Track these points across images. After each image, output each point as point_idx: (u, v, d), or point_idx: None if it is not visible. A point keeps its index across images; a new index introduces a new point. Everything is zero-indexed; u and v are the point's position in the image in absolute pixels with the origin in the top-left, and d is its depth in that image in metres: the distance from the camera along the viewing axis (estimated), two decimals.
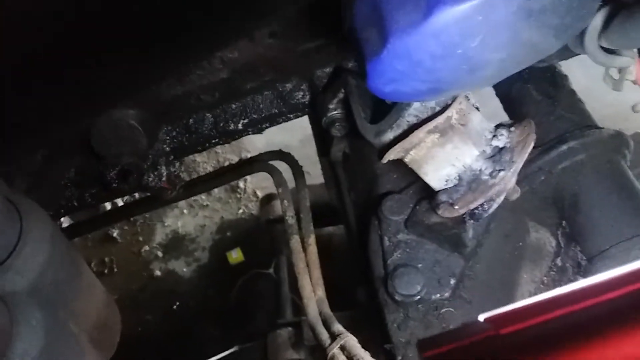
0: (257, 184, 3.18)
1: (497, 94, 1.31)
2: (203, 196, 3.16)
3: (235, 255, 2.87)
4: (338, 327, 1.10)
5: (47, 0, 0.59)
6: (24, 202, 0.94)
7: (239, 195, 3.18)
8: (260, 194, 3.11)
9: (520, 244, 1.16)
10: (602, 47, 0.76)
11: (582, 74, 1.46)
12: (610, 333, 0.52)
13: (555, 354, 0.53)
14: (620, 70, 0.80)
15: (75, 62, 0.70)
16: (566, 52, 0.94)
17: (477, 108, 1.36)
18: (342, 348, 1.04)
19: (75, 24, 0.63)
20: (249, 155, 3.14)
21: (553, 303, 0.56)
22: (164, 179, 1.22)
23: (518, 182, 1.02)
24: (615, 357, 0.51)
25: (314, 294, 1.19)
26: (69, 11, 0.61)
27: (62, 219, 1.95)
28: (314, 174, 1.84)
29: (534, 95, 1.19)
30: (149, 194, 1.38)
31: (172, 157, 1.25)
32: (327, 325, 1.12)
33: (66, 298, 1.02)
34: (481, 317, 0.57)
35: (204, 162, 3.30)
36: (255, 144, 3.20)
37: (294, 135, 2.99)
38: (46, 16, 0.61)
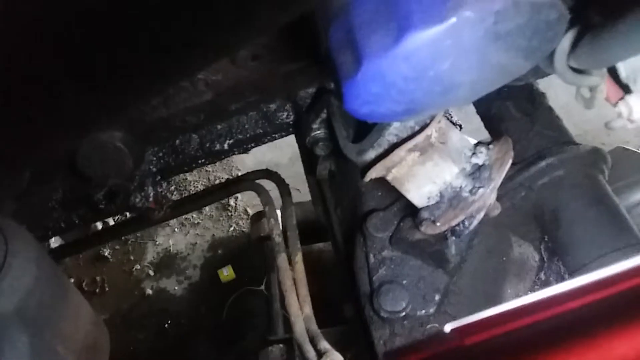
0: (248, 201, 3.19)
1: (477, 112, 1.33)
2: (194, 214, 3.17)
3: (227, 273, 2.87)
4: (324, 344, 1.11)
5: (31, 23, 0.60)
6: (9, 224, 0.94)
7: (229, 213, 3.19)
8: (251, 211, 3.12)
9: (504, 258, 1.18)
10: (572, 67, 0.78)
11: (562, 91, 1.49)
12: (575, 342, 0.52)
13: None
14: (592, 89, 0.82)
15: (59, 84, 0.71)
16: (541, 71, 0.96)
17: (459, 126, 1.39)
18: None
19: (58, 45, 0.64)
20: (239, 174, 3.16)
21: (520, 312, 0.57)
22: (151, 199, 1.23)
23: (499, 198, 1.04)
24: None
25: (300, 312, 1.20)
26: (53, 33, 0.62)
27: (52, 239, 1.95)
28: (304, 192, 1.86)
29: (512, 112, 1.22)
30: (136, 214, 1.39)
31: (159, 177, 1.26)
32: (314, 342, 1.13)
33: (53, 320, 1.02)
34: (447, 328, 0.58)
35: (194, 181, 3.31)
36: (245, 162, 3.22)
37: (284, 153, 3.01)
38: (29, 37, 0.62)
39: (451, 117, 1.43)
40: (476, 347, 0.56)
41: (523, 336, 0.55)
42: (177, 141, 1.25)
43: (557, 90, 1.39)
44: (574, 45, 0.75)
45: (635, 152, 1.83)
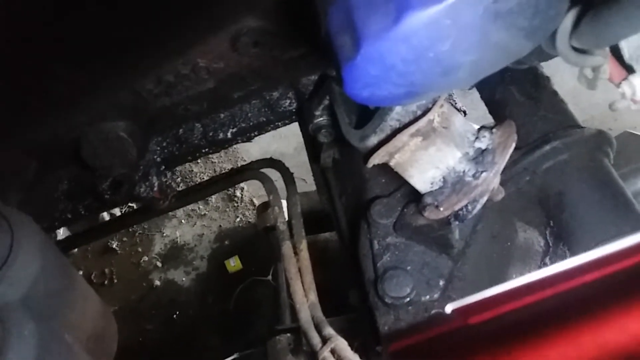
0: (254, 192, 3.20)
1: (481, 97, 1.32)
2: (201, 205, 3.19)
3: (234, 264, 2.89)
4: (329, 330, 1.11)
5: (38, 5, 0.61)
6: (15, 215, 0.95)
7: (236, 204, 3.20)
8: (257, 202, 3.13)
9: (509, 244, 1.17)
10: (574, 48, 0.77)
11: (569, 76, 1.48)
12: (580, 320, 0.52)
13: (523, 342, 0.54)
14: (594, 70, 0.82)
15: (62, 73, 0.72)
16: (545, 54, 0.95)
17: (464, 112, 1.38)
18: (333, 351, 1.05)
19: (60, 33, 0.64)
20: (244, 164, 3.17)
21: (522, 291, 0.56)
22: (155, 189, 1.23)
23: (503, 183, 1.03)
24: (585, 345, 0.51)
25: (305, 299, 1.20)
26: (56, 19, 0.62)
27: (59, 230, 1.96)
28: (310, 181, 1.86)
29: (516, 97, 1.20)
30: (141, 204, 1.40)
31: (163, 167, 1.27)
32: (319, 329, 1.13)
33: (59, 309, 1.03)
34: (449, 308, 0.57)
35: (200, 172, 3.32)
36: (250, 152, 3.22)
37: (289, 143, 3.01)
38: (32, 25, 0.62)
39: (455, 103, 1.43)
40: (480, 327, 0.56)
41: (526, 314, 0.55)
42: (181, 130, 1.26)
43: (563, 75, 1.37)
44: (576, 24, 0.74)
45: None
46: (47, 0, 0.59)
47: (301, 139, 1.42)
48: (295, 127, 1.38)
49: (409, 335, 0.63)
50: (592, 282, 0.53)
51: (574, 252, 1.09)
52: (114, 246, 3.13)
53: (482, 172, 0.94)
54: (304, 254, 1.27)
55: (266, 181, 1.40)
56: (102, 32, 0.63)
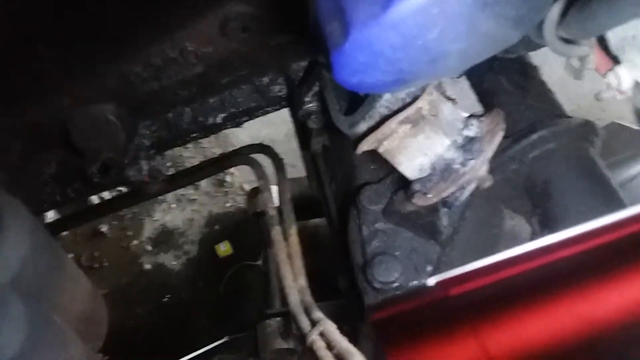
0: (245, 177, 3.20)
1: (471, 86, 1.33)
2: (191, 190, 3.19)
3: (224, 248, 2.90)
4: (318, 314, 1.13)
5: None
6: (3, 196, 0.95)
7: (226, 189, 3.20)
8: (247, 187, 3.13)
9: (496, 230, 1.19)
10: (561, 38, 0.78)
11: (557, 66, 1.49)
12: (557, 292, 0.54)
13: (503, 312, 0.55)
14: (581, 60, 0.82)
15: (48, 53, 0.71)
16: (533, 43, 0.95)
17: (454, 100, 1.39)
18: (322, 334, 1.07)
19: (45, 14, 0.64)
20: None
21: (502, 264, 0.58)
22: (144, 173, 1.23)
23: (491, 171, 1.04)
24: (562, 316, 0.53)
25: (295, 283, 1.22)
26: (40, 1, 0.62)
27: (48, 213, 1.96)
28: (300, 168, 1.87)
29: (505, 86, 1.21)
30: (131, 188, 1.40)
31: (153, 151, 1.26)
32: (308, 312, 1.15)
33: (49, 291, 1.04)
34: (432, 281, 0.59)
35: (190, 157, 3.31)
36: (241, 138, 3.21)
37: (279, 129, 3.01)
38: (16, 4, 0.62)
39: (445, 91, 1.43)
40: (460, 297, 0.57)
41: (508, 286, 0.56)
42: (170, 115, 1.25)
43: (552, 65, 1.38)
44: (563, 14, 0.74)
45: (630, 127, 1.84)
46: None
47: (291, 126, 1.42)
48: (285, 113, 1.38)
49: (391, 305, 0.65)
50: (570, 257, 0.55)
51: None
52: (103, 230, 3.12)
53: (470, 159, 0.95)
54: (294, 238, 1.28)
55: (256, 167, 1.40)
56: (88, 12, 0.63)
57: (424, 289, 0.60)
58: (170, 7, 0.63)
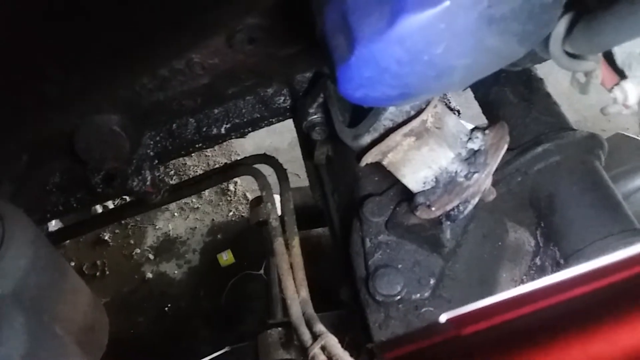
0: (247, 186, 3.20)
1: (475, 98, 1.33)
2: (194, 199, 3.19)
3: (226, 257, 2.89)
4: (320, 327, 1.12)
5: (15, 7, 0.60)
6: (6, 207, 0.95)
7: (229, 198, 3.20)
8: (250, 196, 3.13)
9: (500, 243, 1.18)
10: (567, 52, 0.78)
11: (563, 77, 1.49)
12: (575, 332, 0.53)
13: (516, 352, 0.54)
14: (587, 74, 0.82)
15: (57, 67, 0.71)
16: (538, 57, 0.95)
17: (457, 111, 1.39)
18: (323, 348, 1.06)
19: (54, 36, 0.64)
20: (238, 159, 3.16)
21: (515, 302, 0.57)
22: (148, 183, 1.23)
23: (495, 184, 1.04)
24: (576, 356, 0.52)
25: (297, 295, 1.21)
26: (50, 22, 0.62)
27: (51, 222, 1.96)
28: (304, 177, 1.87)
29: (510, 98, 1.21)
30: (134, 198, 1.40)
31: (156, 161, 1.27)
32: (309, 325, 1.14)
33: (50, 301, 1.03)
34: (443, 318, 0.58)
35: (194, 166, 3.32)
36: (245, 147, 3.22)
37: (283, 138, 3.02)
38: (27, 27, 0.62)
39: (449, 102, 1.43)
40: (474, 337, 0.57)
41: (521, 325, 0.56)
42: (174, 125, 1.26)
43: (557, 76, 1.38)
44: (570, 29, 0.74)
45: (635, 138, 1.83)
46: (43, 3, 0.59)
47: (295, 135, 1.42)
48: (289, 122, 1.39)
49: (403, 344, 0.64)
50: (584, 295, 0.54)
51: (563, 253, 1.10)
52: (105, 238, 3.12)
53: (474, 173, 0.94)
54: (296, 250, 1.28)
55: (259, 177, 1.40)
56: (98, 35, 0.63)
57: (435, 326, 0.59)
58: (181, 24, 0.63)
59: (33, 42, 0.63)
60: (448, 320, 0.58)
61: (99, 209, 2.69)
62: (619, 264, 0.54)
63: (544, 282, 0.58)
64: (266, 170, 1.47)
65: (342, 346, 1.08)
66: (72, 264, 2.99)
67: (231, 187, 3.20)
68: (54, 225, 2.08)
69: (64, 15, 0.60)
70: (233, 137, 1.31)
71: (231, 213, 3.16)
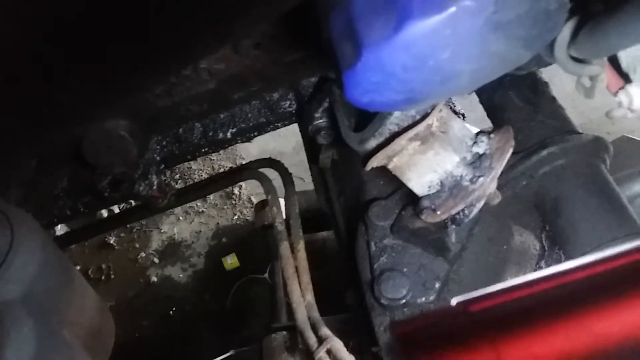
0: (252, 190, 3.20)
1: (480, 101, 1.33)
2: (199, 203, 3.19)
3: (231, 261, 2.90)
4: (325, 331, 1.13)
5: (33, 12, 0.61)
6: (15, 212, 0.96)
7: (234, 202, 3.21)
8: (255, 200, 3.14)
9: (505, 247, 1.18)
10: (572, 57, 0.78)
11: (568, 80, 1.49)
12: (573, 310, 0.54)
13: (520, 327, 0.56)
14: (592, 78, 0.83)
15: (64, 72, 0.72)
16: (543, 61, 0.96)
17: (462, 115, 1.39)
18: (329, 352, 1.06)
19: (59, 36, 0.64)
20: (243, 163, 3.17)
21: (523, 284, 0.58)
22: (154, 187, 1.24)
23: (500, 187, 1.04)
24: (583, 332, 0.53)
25: (302, 299, 1.22)
26: (54, 24, 0.63)
27: (58, 227, 1.97)
28: (308, 180, 1.87)
29: (515, 102, 1.21)
30: (140, 202, 1.40)
31: (163, 166, 1.27)
32: (315, 329, 1.14)
33: (58, 306, 1.04)
34: (453, 301, 0.60)
35: (199, 170, 3.32)
36: (249, 151, 3.23)
37: (288, 142, 3.02)
38: (32, 26, 0.63)
39: (454, 106, 1.43)
40: (482, 313, 0.58)
41: (524, 303, 0.57)
42: (181, 130, 1.26)
43: (562, 79, 1.38)
44: (575, 34, 0.75)
45: None
46: (65, 14, 0.59)
47: (300, 138, 1.43)
48: (294, 126, 1.39)
49: (414, 321, 0.66)
50: (586, 277, 0.55)
51: (569, 256, 1.10)
52: (111, 242, 3.13)
53: (479, 176, 0.95)
54: (302, 254, 1.29)
55: (265, 181, 1.41)
56: (115, 46, 0.64)
57: (446, 307, 0.62)
58: (193, 36, 0.64)
59: (53, 51, 0.64)
60: (458, 303, 0.59)
61: (104, 213, 2.70)
62: (617, 254, 0.56)
63: (546, 272, 0.59)
64: (271, 174, 1.48)
65: (347, 350, 1.08)
66: (78, 267, 3.00)
67: (236, 190, 3.21)
68: (59, 229, 2.09)
69: (86, 26, 0.61)
70: (239, 141, 1.32)
71: (236, 217, 3.17)
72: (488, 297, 0.59)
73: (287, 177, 1.42)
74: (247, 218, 3.15)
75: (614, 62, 0.81)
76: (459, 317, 0.61)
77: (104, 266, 3.07)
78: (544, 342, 0.54)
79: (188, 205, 3.16)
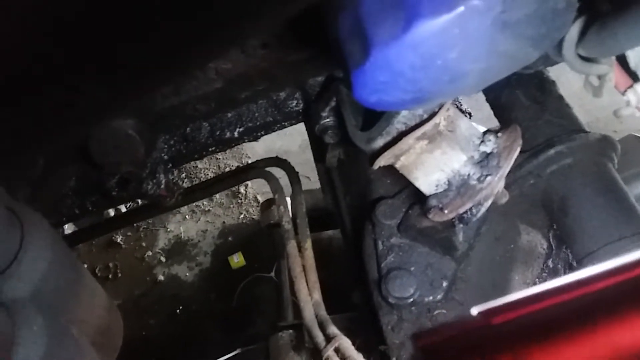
0: (258, 189, 3.21)
1: (487, 100, 1.33)
2: (205, 202, 3.20)
3: (237, 260, 2.91)
4: (333, 329, 1.13)
5: (42, 11, 0.61)
6: (25, 210, 0.96)
7: (240, 201, 3.21)
8: (261, 198, 3.15)
9: (512, 246, 1.18)
10: (580, 56, 0.78)
11: (575, 78, 1.49)
12: (595, 321, 0.54)
13: (542, 340, 0.56)
14: (600, 77, 0.82)
15: (72, 72, 0.73)
16: (551, 60, 0.96)
17: (469, 114, 1.39)
18: (337, 350, 1.07)
19: (70, 33, 0.65)
20: (249, 161, 3.18)
21: (543, 295, 0.58)
22: (162, 186, 1.25)
23: (508, 186, 1.04)
24: (603, 344, 0.53)
25: (310, 297, 1.22)
26: (64, 20, 0.63)
27: (65, 226, 1.98)
28: (314, 179, 1.88)
29: (522, 100, 1.21)
30: (148, 201, 1.41)
31: (170, 165, 1.28)
32: (322, 327, 1.15)
33: (68, 304, 1.05)
34: (474, 311, 0.60)
35: (205, 169, 3.33)
36: (256, 150, 3.23)
37: (294, 141, 3.02)
38: (41, 26, 0.63)
39: (461, 105, 1.43)
40: (504, 326, 0.58)
41: (546, 315, 0.57)
42: (188, 129, 1.27)
43: (569, 77, 1.38)
44: (583, 33, 0.75)
45: None
46: (80, 17, 0.60)
47: (306, 137, 1.43)
48: (300, 125, 1.39)
49: (437, 332, 0.66)
50: (606, 287, 0.55)
51: (576, 255, 1.10)
52: (118, 240, 3.15)
53: (486, 175, 0.95)
54: (309, 252, 1.29)
55: (272, 180, 1.41)
56: (127, 49, 0.64)
57: (467, 318, 0.62)
58: (203, 39, 0.64)
59: (61, 51, 0.64)
60: (479, 313, 0.59)
61: (111, 212, 2.72)
62: (636, 262, 0.55)
63: (566, 280, 0.59)
64: (277, 173, 1.48)
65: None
66: (85, 266, 3.01)
67: (242, 189, 3.22)
68: (67, 228, 2.10)
69: (94, 27, 0.61)
70: (246, 140, 1.32)
71: (242, 215, 3.18)
72: (509, 308, 0.59)
73: (293, 176, 1.43)
74: (253, 217, 3.16)
75: (622, 61, 0.81)
76: (481, 329, 0.61)
77: (111, 265, 3.08)
78: (567, 355, 0.54)
79: (194, 204, 3.17)
